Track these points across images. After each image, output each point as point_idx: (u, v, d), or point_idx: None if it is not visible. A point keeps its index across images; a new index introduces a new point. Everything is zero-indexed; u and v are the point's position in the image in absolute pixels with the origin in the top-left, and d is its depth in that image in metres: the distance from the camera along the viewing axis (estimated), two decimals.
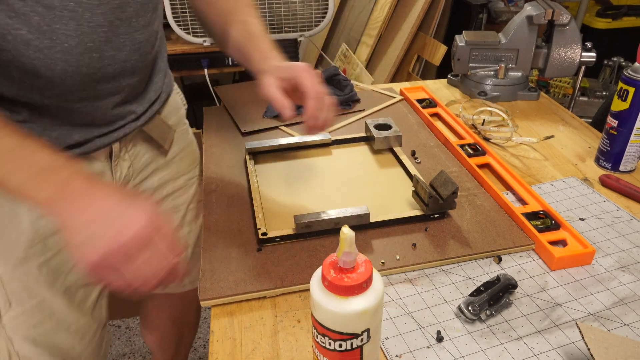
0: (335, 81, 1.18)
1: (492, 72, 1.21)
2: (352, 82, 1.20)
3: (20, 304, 0.75)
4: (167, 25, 1.45)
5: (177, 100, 0.95)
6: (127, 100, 0.75)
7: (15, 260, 0.72)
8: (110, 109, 0.72)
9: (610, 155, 0.92)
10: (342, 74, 1.19)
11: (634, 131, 0.88)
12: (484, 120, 1.08)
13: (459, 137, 1.03)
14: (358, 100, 1.18)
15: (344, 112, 1.13)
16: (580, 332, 0.55)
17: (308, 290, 0.49)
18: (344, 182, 0.88)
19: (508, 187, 0.88)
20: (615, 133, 0.90)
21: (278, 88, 0.70)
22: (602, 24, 2.38)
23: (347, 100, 1.15)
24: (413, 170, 0.88)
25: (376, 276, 0.48)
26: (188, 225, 0.98)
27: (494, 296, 0.64)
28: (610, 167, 0.93)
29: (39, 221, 0.71)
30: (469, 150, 0.96)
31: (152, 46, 0.76)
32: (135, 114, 0.77)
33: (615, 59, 2.25)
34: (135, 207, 0.55)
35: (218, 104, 1.21)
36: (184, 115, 0.97)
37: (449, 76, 1.31)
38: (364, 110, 1.14)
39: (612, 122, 0.90)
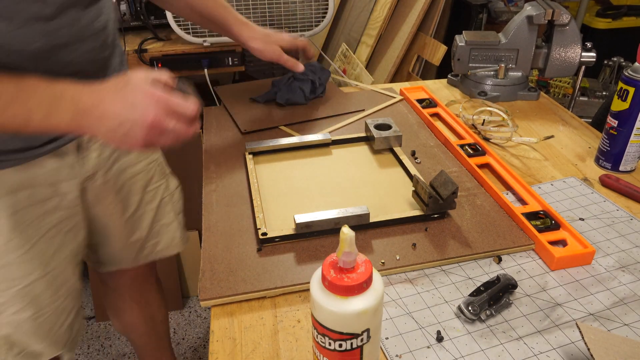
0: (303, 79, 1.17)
1: (492, 72, 1.21)
2: (352, 82, 1.19)
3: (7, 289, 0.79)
4: (167, 25, 1.45)
5: None
6: None
7: None
8: None
9: (610, 155, 0.92)
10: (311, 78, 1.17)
11: (634, 131, 0.88)
12: (484, 120, 1.08)
13: (459, 137, 1.03)
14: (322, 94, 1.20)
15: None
16: (580, 332, 0.55)
17: (308, 290, 0.49)
18: (344, 182, 0.88)
19: (508, 187, 0.88)
20: (615, 133, 0.90)
21: (281, 52, 1.02)
22: (602, 24, 2.38)
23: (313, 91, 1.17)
24: (413, 170, 0.88)
25: (376, 276, 0.48)
26: (144, 207, 1.00)
27: (494, 296, 0.64)
28: (610, 167, 0.93)
29: (15, 214, 0.75)
30: (469, 150, 0.96)
31: (105, 50, 0.79)
32: None
33: (615, 59, 2.24)
34: (139, 90, 0.62)
35: (218, 104, 1.21)
36: None
37: (449, 76, 1.31)
38: (364, 110, 1.14)
39: (612, 122, 0.90)
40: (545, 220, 0.78)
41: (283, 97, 1.14)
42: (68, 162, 0.81)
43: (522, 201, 0.84)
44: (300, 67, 1.06)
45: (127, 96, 0.62)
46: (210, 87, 1.36)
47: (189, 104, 0.65)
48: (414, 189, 0.80)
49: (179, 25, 1.41)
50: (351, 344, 0.48)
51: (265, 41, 1.02)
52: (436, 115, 1.13)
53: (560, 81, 2.22)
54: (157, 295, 1.24)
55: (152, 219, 1.02)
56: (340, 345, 0.48)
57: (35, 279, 0.80)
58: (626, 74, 0.86)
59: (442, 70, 1.82)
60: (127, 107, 0.61)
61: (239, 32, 1.01)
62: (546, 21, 1.14)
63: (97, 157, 0.86)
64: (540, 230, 0.75)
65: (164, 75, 0.66)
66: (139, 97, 0.62)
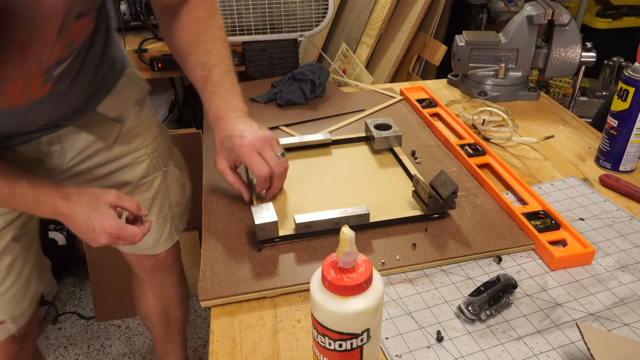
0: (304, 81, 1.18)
1: (492, 72, 1.21)
2: (352, 82, 1.19)
3: None
4: None
5: (128, 87, 0.93)
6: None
7: None
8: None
9: (610, 155, 0.92)
10: (313, 79, 1.17)
11: (634, 131, 0.88)
12: (484, 120, 1.08)
13: (459, 137, 1.03)
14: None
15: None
16: (580, 332, 0.55)
17: (308, 290, 0.49)
18: (344, 182, 0.88)
19: (508, 187, 0.88)
20: (615, 133, 0.90)
21: (231, 170, 0.80)
22: (602, 24, 2.38)
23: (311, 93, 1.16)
24: (413, 170, 0.88)
25: (376, 276, 0.48)
26: (137, 197, 1.00)
27: (494, 296, 0.64)
28: (610, 167, 0.93)
29: None
30: (469, 150, 0.96)
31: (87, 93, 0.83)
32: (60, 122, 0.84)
33: (615, 59, 2.25)
34: (96, 214, 0.75)
35: None
36: (144, 96, 0.98)
37: (449, 76, 1.31)
38: (364, 110, 1.14)
39: (612, 122, 0.90)
40: (545, 220, 0.78)
41: (283, 98, 1.14)
42: (32, 154, 0.84)
43: (522, 201, 0.84)
44: (246, 197, 0.82)
45: (91, 213, 0.75)
46: None
47: (135, 232, 0.78)
48: (414, 189, 0.80)
49: None
50: (351, 344, 0.48)
51: (223, 145, 0.79)
52: (436, 115, 1.13)
53: (560, 81, 2.23)
54: (176, 292, 1.23)
55: (149, 207, 1.02)
56: (340, 345, 0.48)
57: None
58: (626, 74, 0.86)
59: (442, 70, 1.82)
60: (91, 218, 0.75)
61: (208, 108, 0.82)
62: (546, 21, 1.14)
63: (59, 156, 0.86)
64: (540, 230, 0.75)
65: (130, 204, 0.79)
66: (100, 215, 0.75)
